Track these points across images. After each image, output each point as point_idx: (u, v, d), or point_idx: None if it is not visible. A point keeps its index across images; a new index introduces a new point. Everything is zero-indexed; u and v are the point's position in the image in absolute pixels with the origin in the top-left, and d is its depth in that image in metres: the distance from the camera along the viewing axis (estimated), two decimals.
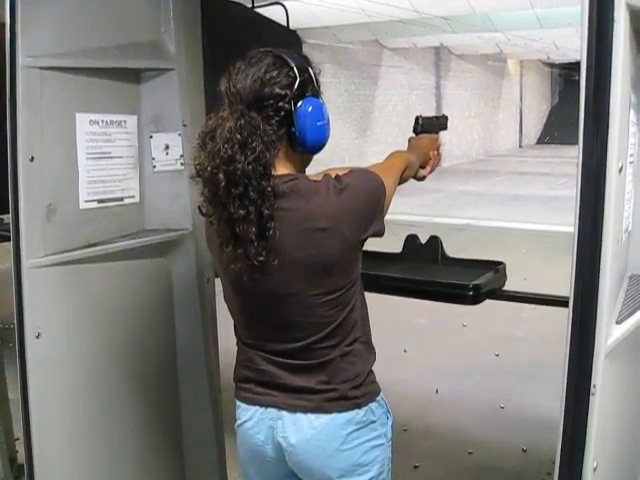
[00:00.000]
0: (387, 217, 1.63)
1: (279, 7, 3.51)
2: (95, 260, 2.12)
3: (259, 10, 3.32)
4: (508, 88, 22.92)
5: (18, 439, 2.99)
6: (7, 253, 2.02)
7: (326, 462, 1.64)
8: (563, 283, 1.47)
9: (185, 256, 2.40)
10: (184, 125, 2.32)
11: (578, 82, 1.32)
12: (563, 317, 1.39)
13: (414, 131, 2.11)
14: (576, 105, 1.31)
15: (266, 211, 1.47)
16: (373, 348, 1.71)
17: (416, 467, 3.42)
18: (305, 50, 2.98)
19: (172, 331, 2.41)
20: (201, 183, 1.51)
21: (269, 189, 1.47)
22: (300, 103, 1.54)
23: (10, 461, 3.13)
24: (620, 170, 1.33)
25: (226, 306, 1.72)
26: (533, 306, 4.15)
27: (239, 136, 1.45)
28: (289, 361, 1.64)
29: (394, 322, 5.11)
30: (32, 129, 1.92)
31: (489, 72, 21.37)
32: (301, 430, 1.63)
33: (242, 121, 1.47)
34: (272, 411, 1.65)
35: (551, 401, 1.59)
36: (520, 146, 24.05)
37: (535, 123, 25.42)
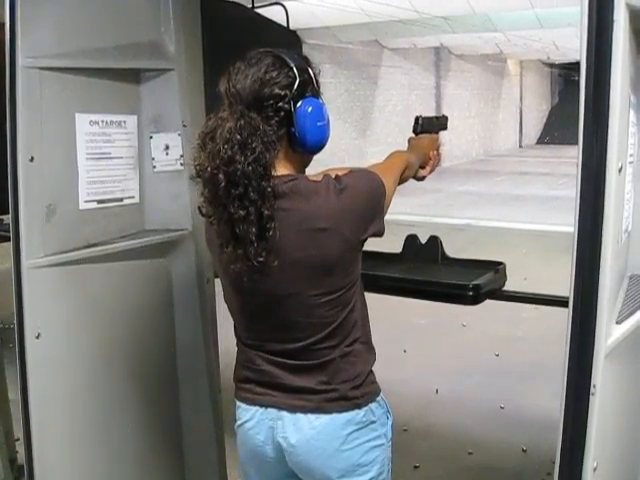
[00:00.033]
0: (387, 217, 1.63)
1: (279, 7, 3.52)
2: (95, 260, 2.11)
3: (259, 10, 3.32)
4: (508, 88, 22.93)
5: (18, 439, 2.99)
6: (7, 253, 2.02)
7: (326, 462, 1.64)
8: (563, 283, 1.47)
9: (185, 256, 2.40)
10: (184, 125, 2.32)
11: (578, 82, 1.32)
12: (563, 317, 1.38)
13: (414, 131, 2.11)
14: (576, 105, 1.31)
15: (266, 211, 1.47)
16: (373, 348, 1.71)
17: (416, 467, 3.42)
18: (305, 50, 2.99)
19: (172, 331, 2.41)
20: (201, 184, 1.51)
21: (269, 189, 1.47)
22: (300, 103, 1.54)
23: (10, 462, 3.13)
24: (620, 170, 1.33)
25: (226, 306, 1.72)
26: (533, 306, 4.16)
27: (239, 137, 1.45)
28: (289, 361, 1.64)
29: (394, 322, 5.11)
30: (32, 129, 1.92)
31: (489, 72, 21.37)
32: (301, 430, 1.63)
33: (242, 122, 1.47)
34: (272, 411, 1.65)
35: (551, 401, 1.59)
36: (520, 146, 24.05)
37: (535, 123, 25.42)
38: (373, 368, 1.70)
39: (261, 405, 1.67)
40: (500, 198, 13.06)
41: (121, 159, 2.24)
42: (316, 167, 1.75)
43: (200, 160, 1.49)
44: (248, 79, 1.52)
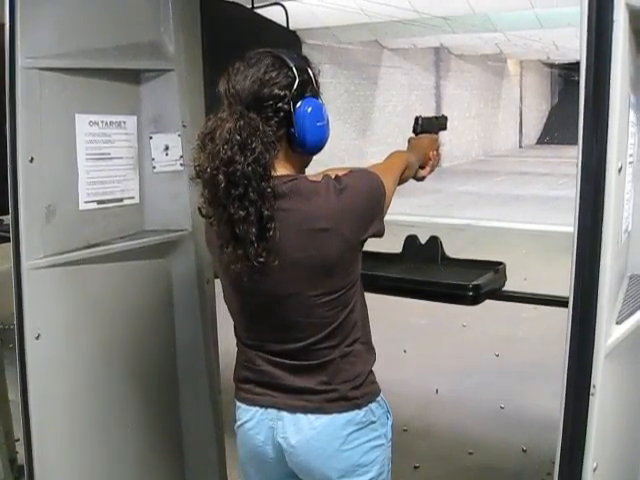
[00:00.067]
0: (387, 217, 1.63)
1: (279, 7, 3.51)
2: (95, 261, 2.11)
3: (259, 10, 3.32)
4: (508, 88, 22.93)
5: (18, 440, 2.98)
6: (7, 254, 2.02)
7: (326, 463, 1.64)
8: (563, 283, 1.47)
9: (185, 257, 2.40)
10: (184, 126, 2.32)
11: (578, 82, 1.32)
12: (563, 317, 1.38)
13: (414, 131, 2.11)
14: (576, 105, 1.31)
15: (266, 212, 1.47)
16: (373, 349, 1.71)
17: (416, 467, 3.42)
18: (305, 51, 2.99)
19: (172, 332, 2.41)
20: (201, 184, 1.51)
21: (269, 190, 1.47)
22: (299, 104, 1.54)
23: (10, 462, 3.13)
24: (620, 170, 1.33)
25: (226, 307, 1.72)
26: (533, 306, 4.16)
27: (238, 137, 1.45)
28: (289, 362, 1.63)
29: (394, 322, 5.11)
30: (32, 130, 1.92)
31: (489, 72, 21.37)
32: (301, 431, 1.62)
33: (241, 122, 1.47)
34: (272, 412, 1.65)
35: (551, 401, 1.59)
36: (520, 146, 24.05)
37: (535, 123, 25.42)
38: (373, 368, 1.70)
39: (261, 405, 1.67)
40: (500, 198, 13.06)
41: (121, 159, 2.24)
42: (316, 167, 1.75)
43: (200, 161, 1.49)
44: (247, 79, 1.52)
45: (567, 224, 1.50)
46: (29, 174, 1.92)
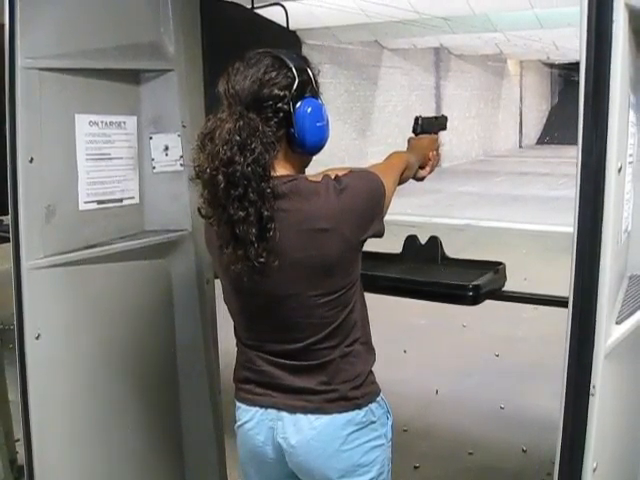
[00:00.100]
0: (387, 218, 1.63)
1: (279, 8, 3.51)
2: (95, 261, 2.11)
3: (259, 11, 3.32)
4: (508, 88, 22.93)
5: (18, 440, 2.98)
6: (7, 254, 2.02)
7: (326, 463, 1.64)
8: (563, 283, 1.47)
9: (185, 257, 2.40)
10: (183, 126, 2.32)
11: (578, 82, 1.32)
12: (563, 317, 1.38)
13: (413, 131, 2.11)
14: (576, 105, 1.31)
15: (266, 212, 1.47)
16: (373, 349, 1.71)
17: (416, 467, 3.42)
18: (305, 51, 2.98)
19: (172, 332, 2.41)
20: (200, 185, 1.51)
21: (268, 190, 1.47)
22: (299, 104, 1.54)
23: (10, 462, 3.13)
24: (619, 170, 1.33)
25: (226, 307, 1.72)
26: (533, 306, 4.16)
27: (238, 137, 1.45)
28: (289, 362, 1.64)
29: (394, 323, 5.11)
30: (31, 130, 1.92)
31: (489, 72, 21.37)
32: (301, 431, 1.62)
33: (241, 122, 1.47)
34: (272, 412, 1.65)
35: (551, 401, 1.59)
36: (520, 146, 24.05)
37: (535, 123, 25.42)
38: (373, 368, 1.70)
39: (261, 406, 1.67)
40: (500, 198, 13.06)
41: (121, 160, 2.24)
42: (316, 167, 1.75)
43: (199, 161, 1.49)
44: (247, 80, 1.52)
45: (567, 224, 1.50)
46: (29, 174, 1.92)
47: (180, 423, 2.47)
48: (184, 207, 2.35)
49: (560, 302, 2.02)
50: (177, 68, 2.32)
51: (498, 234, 9.18)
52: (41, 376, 1.98)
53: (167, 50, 2.30)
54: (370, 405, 1.65)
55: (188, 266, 2.41)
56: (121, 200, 2.25)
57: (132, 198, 2.29)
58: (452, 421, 3.96)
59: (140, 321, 2.28)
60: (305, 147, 1.57)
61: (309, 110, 1.55)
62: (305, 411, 1.63)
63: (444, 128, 2.20)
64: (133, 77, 2.28)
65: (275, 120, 1.52)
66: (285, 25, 3.37)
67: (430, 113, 2.26)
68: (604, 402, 1.35)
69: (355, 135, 15.20)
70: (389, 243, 2.21)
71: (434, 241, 2.63)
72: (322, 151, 1.62)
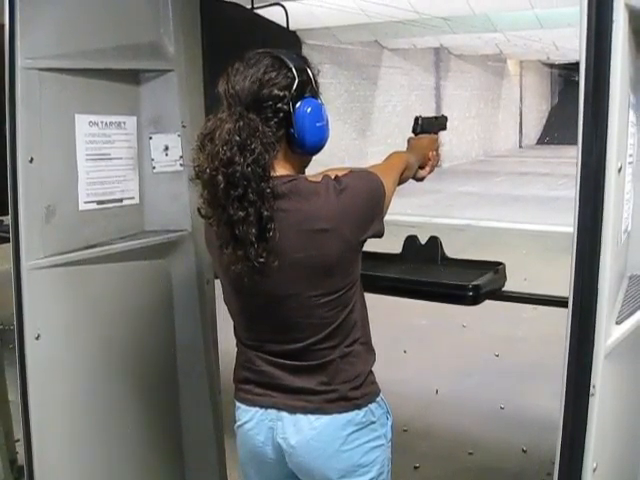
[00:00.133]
0: (387, 218, 1.63)
1: (279, 8, 3.51)
2: (95, 261, 2.11)
3: (259, 11, 3.32)
4: (508, 89, 22.93)
5: (18, 440, 2.99)
6: (7, 255, 2.02)
7: (326, 463, 1.64)
8: (563, 283, 1.47)
9: (185, 257, 2.40)
10: (183, 126, 2.32)
11: (578, 82, 1.32)
12: (563, 317, 1.38)
13: (413, 131, 2.10)
14: (576, 105, 1.31)
15: (265, 212, 1.47)
16: (373, 349, 1.71)
17: (416, 468, 3.42)
18: (305, 51, 2.98)
19: (172, 332, 2.41)
20: (200, 185, 1.51)
21: (268, 190, 1.47)
22: (299, 104, 1.54)
23: (10, 462, 3.13)
24: (619, 170, 1.33)
25: (226, 308, 1.72)
26: (533, 306, 4.16)
27: (238, 138, 1.45)
28: (289, 362, 1.63)
29: (394, 323, 5.11)
30: (31, 130, 1.92)
31: (489, 73, 21.37)
32: (301, 431, 1.62)
33: (241, 123, 1.47)
34: (272, 412, 1.65)
35: (551, 401, 1.59)
36: (520, 146, 24.05)
37: (535, 123, 25.42)
38: (373, 368, 1.70)
39: (261, 406, 1.67)
40: (500, 198, 13.06)
41: (121, 160, 2.24)
42: (316, 167, 1.75)
43: (199, 161, 1.49)
44: (247, 80, 1.52)
45: (567, 224, 1.50)
46: (29, 174, 1.92)
47: (180, 423, 2.47)
48: (184, 207, 2.35)
49: (560, 302, 2.02)
50: (177, 68, 2.32)
51: (498, 234, 9.18)
52: (41, 376, 1.98)
53: (167, 50, 2.30)
54: (370, 405, 1.65)
55: (188, 266, 2.41)
56: (121, 200, 2.25)
57: (132, 198, 2.29)
58: (452, 421, 3.96)
59: (140, 321, 2.28)
60: (305, 147, 1.57)
61: (309, 110, 1.55)
62: (305, 411, 1.63)
63: (444, 128, 2.20)
64: (133, 77, 2.28)
65: (275, 120, 1.52)
66: (285, 25, 3.37)
67: (430, 113, 2.26)
68: (604, 402, 1.35)
69: (355, 135, 15.20)
70: (389, 243, 2.21)
71: (434, 241, 2.63)
72: (322, 151, 1.62)
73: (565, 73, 24.63)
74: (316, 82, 1.60)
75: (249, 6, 3.25)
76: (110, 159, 2.19)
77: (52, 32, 1.96)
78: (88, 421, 2.12)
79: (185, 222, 2.37)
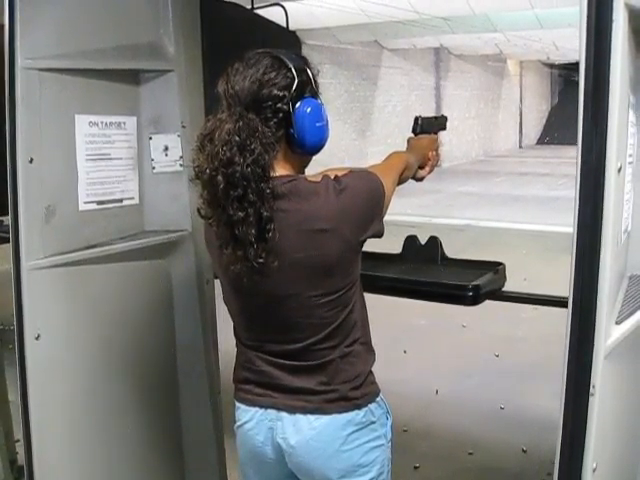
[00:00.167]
0: (387, 218, 1.63)
1: (278, 8, 3.51)
2: (94, 261, 2.11)
3: (258, 11, 3.32)
4: (508, 89, 22.93)
5: (18, 440, 2.99)
6: (6, 255, 2.02)
7: (326, 463, 1.64)
8: (563, 284, 1.47)
9: (185, 257, 2.40)
10: (183, 126, 2.32)
11: (578, 82, 1.32)
12: (563, 318, 1.38)
13: (413, 131, 2.10)
14: (576, 105, 1.31)
15: (265, 213, 1.47)
16: (372, 349, 1.71)
17: (416, 468, 3.42)
18: (305, 51, 2.98)
19: (172, 332, 2.41)
20: (200, 185, 1.51)
21: (268, 191, 1.47)
22: (298, 104, 1.53)
23: (10, 463, 3.13)
24: (619, 170, 1.33)
25: (226, 308, 1.72)
26: (533, 307, 4.15)
27: (238, 138, 1.45)
28: (289, 362, 1.63)
29: (394, 323, 5.11)
30: (31, 131, 1.92)
31: (489, 73, 21.37)
32: (301, 431, 1.62)
33: (240, 123, 1.47)
34: (271, 412, 1.65)
35: (551, 401, 1.58)
36: (520, 147, 24.05)
37: (535, 124, 25.42)
38: (373, 369, 1.70)
39: (261, 406, 1.67)
40: (500, 199, 13.06)
41: (120, 160, 2.24)
42: (315, 167, 1.75)
43: (199, 162, 1.49)
44: (246, 80, 1.52)
45: (567, 224, 1.50)
46: (29, 175, 1.92)
47: (180, 423, 2.47)
48: (184, 207, 2.35)
49: (560, 302, 2.02)
50: (177, 68, 2.32)
51: (498, 234, 9.18)
52: (41, 376, 1.98)
53: (167, 50, 2.30)
54: (370, 405, 1.65)
55: (188, 266, 2.41)
56: (121, 200, 2.25)
57: (132, 198, 2.29)
58: (452, 421, 3.96)
59: (140, 321, 2.28)
60: (305, 147, 1.57)
61: (308, 110, 1.55)
62: (305, 411, 1.63)
63: (444, 128, 2.19)
64: (133, 77, 2.28)
65: (274, 120, 1.52)
66: (285, 25, 3.38)
67: (430, 113, 2.26)
68: (604, 402, 1.35)
69: (355, 135, 15.20)
70: (389, 243, 2.21)
71: (434, 241, 2.63)
72: (322, 151, 1.62)
73: (565, 73, 24.61)
74: (316, 82, 1.60)
75: (249, 6, 3.25)
76: (110, 159, 2.19)
77: (52, 32, 1.96)
78: (88, 421, 2.12)
79: (185, 222, 2.37)
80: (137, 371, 2.27)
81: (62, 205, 2.03)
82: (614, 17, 1.26)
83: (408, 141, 2.08)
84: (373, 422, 1.65)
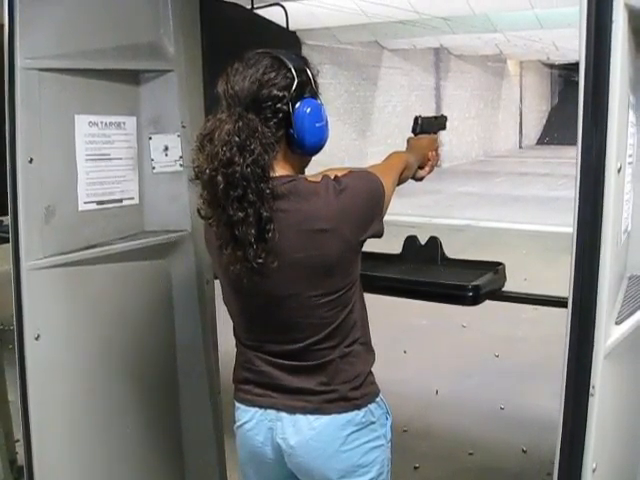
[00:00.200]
0: (387, 218, 1.63)
1: (278, 8, 3.51)
2: (94, 262, 2.11)
3: (258, 11, 3.32)
4: (508, 89, 22.92)
5: (18, 441, 2.99)
6: (6, 255, 2.02)
7: (326, 463, 1.63)
8: (563, 284, 1.47)
9: (184, 257, 2.39)
10: (183, 126, 2.32)
11: (578, 83, 1.32)
12: (563, 318, 1.38)
13: (413, 131, 2.10)
14: (576, 106, 1.31)
15: (265, 213, 1.47)
16: (372, 349, 1.71)
17: (416, 468, 3.42)
18: (305, 51, 2.98)
19: (172, 333, 2.41)
20: (200, 185, 1.51)
21: (267, 191, 1.47)
22: (298, 104, 1.53)
23: (10, 463, 3.13)
24: (619, 170, 1.33)
25: (225, 309, 1.72)
26: (533, 307, 4.15)
27: (237, 138, 1.45)
28: (288, 362, 1.63)
29: (394, 323, 5.11)
30: (31, 131, 1.92)
31: (489, 73, 21.37)
32: (300, 431, 1.62)
33: (240, 123, 1.47)
34: (271, 412, 1.65)
35: (551, 402, 1.59)
36: (520, 147, 24.04)
37: (535, 124, 25.42)
38: (373, 369, 1.70)
39: (260, 406, 1.67)
40: (500, 199, 13.06)
41: (120, 160, 2.24)
42: (315, 168, 1.75)
43: (199, 162, 1.49)
44: (246, 80, 1.52)
45: (567, 224, 1.50)
46: (28, 175, 1.92)
47: (180, 423, 2.47)
48: (184, 208, 2.35)
49: (560, 302, 2.02)
50: (177, 68, 2.32)
51: (498, 234, 9.18)
52: (41, 377, 1.98)
53: (167, 50, 2.30)
54: (369, 406, 1.65)
55: (188, 267, 2.41)
56: (121, 200, 2.25)
57: (132, 198, 2.29)
58: (452, 421, 3.96)
59: (140, 321, 2.28)
60: (304, 148, 1.57)
61: (308, 110, 1.55)
62: (304, 411, 1.63)
63: (443, 128, 2.19)
64: (133, 77, 2.28)
65: (274, 121, 1.52)
66: (285, 25, 3.37)
67: (430, 113, 2.26)
68: (604, 402, 1.35)
69: (355, 135, 15.20)
70: (389, 243, 2.21)
71: (434, 241, 2.62)
72: (322, 151, 1.62)
73: (565, 73, 24.61)
74: (315, 82, 1.60)
75: (249, 6, 3.24)
76: (110, 159, 2.19)
77: (52, 32, 1.96)
78: (88, 421, 2.12)
79: (185, 222, 2.37)
80: (137, 371, 2.27)
81: (62, 205, 2.03)
82: (614, 17, 1.26)
83: (408, 141, 2.08)
84: (373, 422, 1.65)
